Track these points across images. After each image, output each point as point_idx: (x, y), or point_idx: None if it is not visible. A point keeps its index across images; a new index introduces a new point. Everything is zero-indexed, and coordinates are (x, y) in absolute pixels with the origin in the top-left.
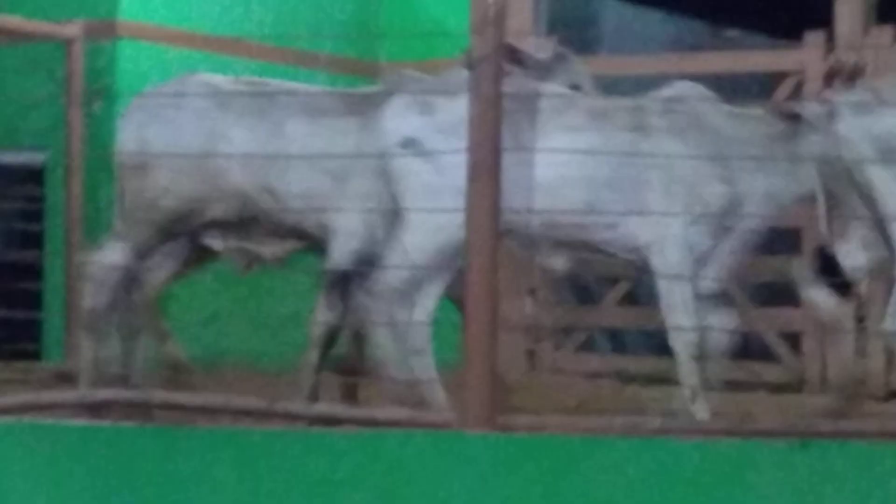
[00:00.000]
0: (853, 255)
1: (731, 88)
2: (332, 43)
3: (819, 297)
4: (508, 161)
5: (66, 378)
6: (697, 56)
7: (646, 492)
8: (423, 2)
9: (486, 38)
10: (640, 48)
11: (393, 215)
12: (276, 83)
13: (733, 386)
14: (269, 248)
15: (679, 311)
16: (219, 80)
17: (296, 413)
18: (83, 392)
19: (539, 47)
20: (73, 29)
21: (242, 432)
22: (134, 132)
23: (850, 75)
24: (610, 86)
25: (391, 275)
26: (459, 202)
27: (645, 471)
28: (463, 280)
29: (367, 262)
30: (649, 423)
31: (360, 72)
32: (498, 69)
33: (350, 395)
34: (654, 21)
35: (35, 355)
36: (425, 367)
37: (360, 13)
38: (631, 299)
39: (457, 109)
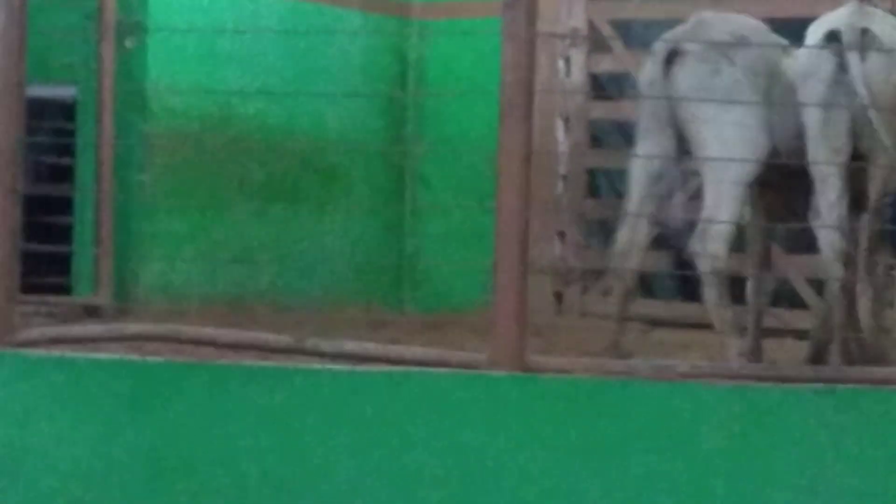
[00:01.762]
0: None
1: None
2: None
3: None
4: None
5: (95, 312)
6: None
7: (673, 435)
8: None
9: None
10: None
11: None
12: None
13: (763, 331)
14: None
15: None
16: None
17: (325, 351)
18: (113, 326)
19: None
20: None
21: (271, 369)
22: None
23: None
24: (643, 30)
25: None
26: None
27: (672, 415)
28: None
29: None
30: (677, 367)
31: (391, 12)
32: (532, 11)
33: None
34: None
35: (65, 289)
36: None
37: None
38: (659, 244)
39: None
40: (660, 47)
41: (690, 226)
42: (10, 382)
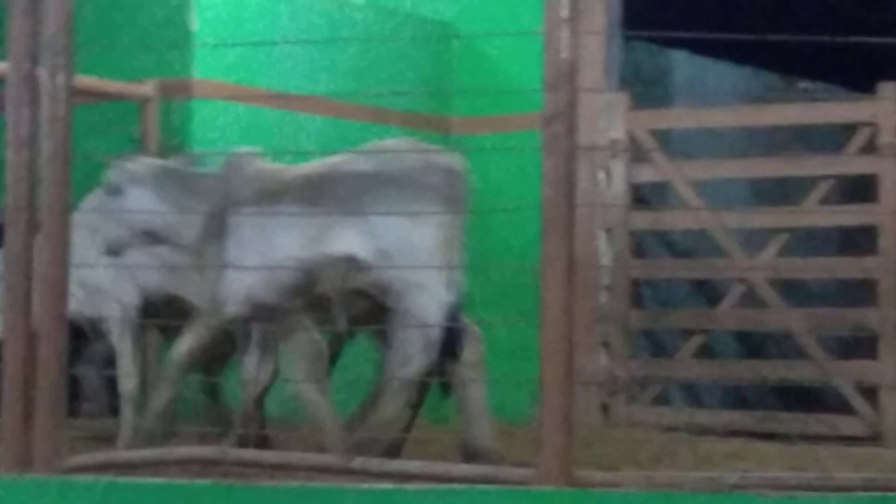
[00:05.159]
0: None
1: (804, 140)
2: (405, 99)
3: None
4: None
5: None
6: (771, 108)
7: None
8: (496, 58)
9: (559, 94)
10: (712, 101)
11: None
12: None
13: (810, 439)
14: None
15: None
16: None
17: (372, 470)
18: (161, 450)
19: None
20: (147, 88)
21: (319, 489)
22: None
23: None
24: (683, 139)
25: None
26: None
27: None
28: None
29: None
30: (727, 478)
31: (433, 128)
32: (571, 125)
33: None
34: (727, 73)
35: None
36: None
37: (434, 69)
38: (706, 351)
39: None
40: None
41: None
42: None
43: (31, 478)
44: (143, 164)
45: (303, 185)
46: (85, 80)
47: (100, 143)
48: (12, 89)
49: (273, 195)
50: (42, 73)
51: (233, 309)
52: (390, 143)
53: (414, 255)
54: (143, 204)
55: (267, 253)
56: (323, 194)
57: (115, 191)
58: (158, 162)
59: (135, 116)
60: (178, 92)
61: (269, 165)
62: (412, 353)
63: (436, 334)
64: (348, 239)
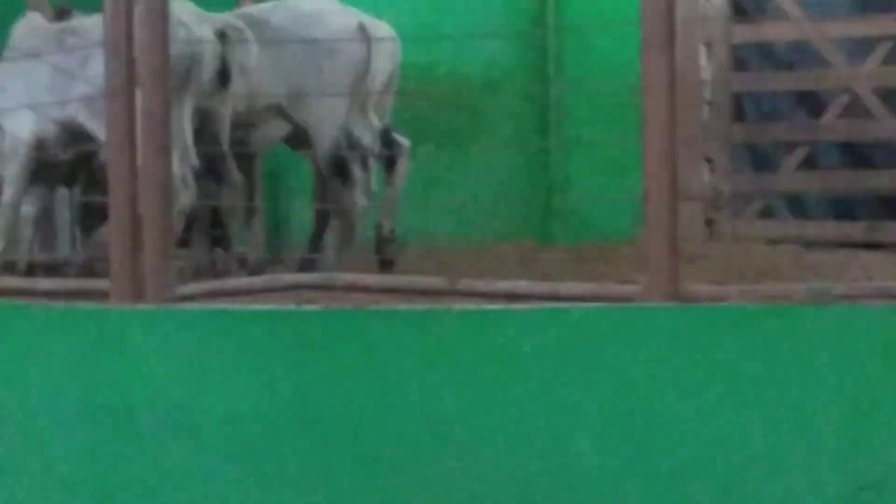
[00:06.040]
0: None
1: None
2: None
3: None
4: None
5: (245, 264)
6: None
7: (833, 359)
8: None
9: None
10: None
11: None
12: None
13: None
14: None
15: None
16: None
17: (478, 290)
18: (268, 277)
19: None
20: None
21: (426, 312)
22: None
23: None
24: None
25: None
26: None
27: (831, 337)
28: None
29: None
30: (834, 289)
31: None
32: None
33: None
34: None
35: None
36: None
37: None
38: (810, 163)
39: None
40: None
41: None
42: (171, 337)
43: (143, 308)
44: None
45: None
46: None
47: None
48: None
49: None
50: None
51: None
52: None
53: None
54: None
55: None
56: None
57: None
58: None
59: None
60: None
61: None
62: None
63: None
64: None
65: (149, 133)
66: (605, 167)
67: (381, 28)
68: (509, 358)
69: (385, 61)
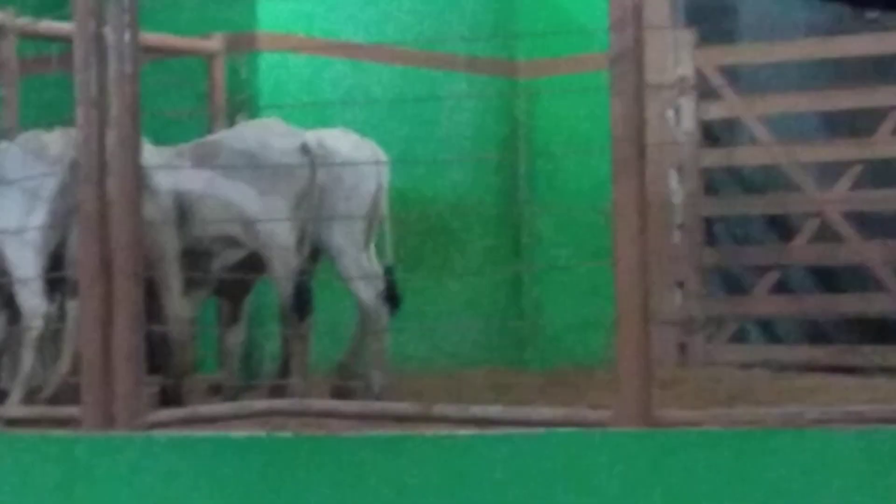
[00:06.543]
0: None
1: (875, 71)
2: (470, 45)
3: None
4: None
5: (219, 390)
6: (839, 39)
7: (806, 484)
8: None
9: (625, 33)
10: (780, 35)
11: None
12: None
13: (890, 371)
14: None
15: None
16: None
17: (451, 416)
18: (241, 403)
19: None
20: (213, 43)
21: (399, 438)
22: None
23: None
24: (751, 74)
25: None
26: None
27: (805, 462)
28: None
29: None
30: (807, 413)
31: (498, 72)
32: (639, 63)
33: None
34: (794, 6)
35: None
36: None
37: (498, 13)
38: (782, 287)
39: None
40: None
41: None
42: (142, 465)
43: (113, 435)
44: None
45: None
46: (152, 37)
47: (168, 100)
48: (79, 49)
49: None
50: (108, 31)
51: None
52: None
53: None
54: None
55: None
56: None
57: None
58: None
59: (202, 72)
60: (243, 45)
61: None
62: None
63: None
64: None
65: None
66: (576, 291)
67: (367, 147)
68: (482, 484)
69: (367, 182)
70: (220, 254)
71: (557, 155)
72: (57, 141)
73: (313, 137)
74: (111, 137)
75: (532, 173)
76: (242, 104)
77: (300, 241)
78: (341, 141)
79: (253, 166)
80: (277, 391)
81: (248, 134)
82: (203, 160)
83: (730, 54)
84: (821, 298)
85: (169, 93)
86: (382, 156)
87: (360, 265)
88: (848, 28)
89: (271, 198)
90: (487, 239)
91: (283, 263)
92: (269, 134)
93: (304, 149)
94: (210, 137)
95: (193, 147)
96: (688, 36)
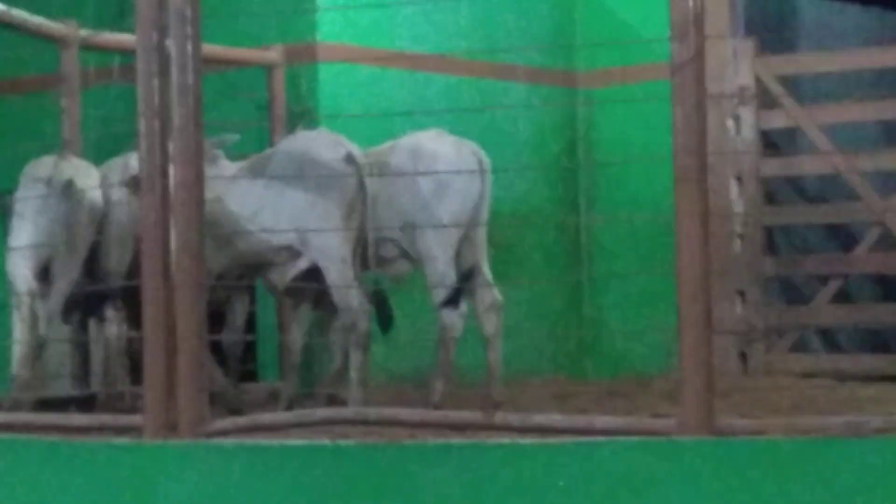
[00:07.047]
0: None
1: None
2: (529, 55)
3: None
4: None
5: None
6: None
7: (870, 492)
8: (620, 9)
9: (686, 43)
10: (839, 43)
11: None
12: None
13: None
14: None
15: None
16: None
17: (513, 425)
18: (302, 412)
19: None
20: (273, 54)
21: (461, 445)
22: None
23: None
24: (811, 82)
25: None
26: None
27: (868, 471)
28: None
29: None
30: (871, 422)
31: (558, 82)
32: (700, 73)
33: None
34: (853, 15)
35: (251, 375)
36: None
37: (557, 24)
38: (843, 297)
39: None
40: None
41: None
42: (205, 473)
43: (175, 443)
44: None
45: None
46: (212, 49)
47: (228, 110)
48: (142, 60)
49: None
50: (170, 43)
51: None
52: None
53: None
54: None
55: None
56: None
57: None
58: None
59: (262, 83)
60: (303, 57)
61: None
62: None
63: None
64: None
65: (182, 266)
66: (637, 300)
67: (467, 148)
68: (544, 492)
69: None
70: (285, 263)
71: (618, 165)
72: None
73: (409, 142)
74: (173, 148)
75: (592, 183)
76: (303, 115)
77: (354, 250)
78: (439, 142)
79: (300, 176)
80: (334, 399)
81: (295, 145)
82: (257, 172)
83: (790, 63)
84: (882, 307)
85: (230, 103)
86: (485, 158)
87: (447, 274)
88: None
89: (322, 206)
90: (548, 248)
91: (339, 272)
92: (315, 144)
93: (349, 158)
94: (268, 151)
95: (252, 160)
96: (748, 45)
